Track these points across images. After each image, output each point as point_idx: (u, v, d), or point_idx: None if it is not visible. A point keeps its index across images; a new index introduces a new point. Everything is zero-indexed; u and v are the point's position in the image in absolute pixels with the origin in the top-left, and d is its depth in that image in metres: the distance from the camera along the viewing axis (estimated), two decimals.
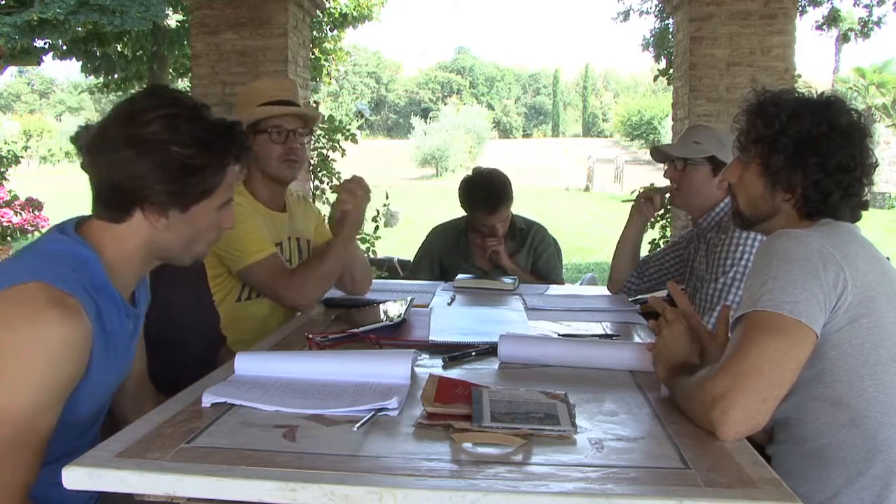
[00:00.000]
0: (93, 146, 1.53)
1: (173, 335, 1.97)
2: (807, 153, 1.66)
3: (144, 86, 13.31)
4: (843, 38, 17.00)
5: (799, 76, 6.59)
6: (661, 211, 6.43)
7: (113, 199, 1.54)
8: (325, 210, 3.81)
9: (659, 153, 2.85)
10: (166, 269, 1.71)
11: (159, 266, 1.69)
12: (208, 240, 1.66)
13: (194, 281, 2.32)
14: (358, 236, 3.08)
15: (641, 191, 3.03)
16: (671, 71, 8.68)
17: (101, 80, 13.25)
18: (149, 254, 1.60)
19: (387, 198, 7.03)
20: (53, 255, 1.49)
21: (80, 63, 12.33)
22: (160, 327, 1.91)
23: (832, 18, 13.40)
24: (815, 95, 1.74)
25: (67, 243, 1.52)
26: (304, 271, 2.55)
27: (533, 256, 3.72)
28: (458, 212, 3.81)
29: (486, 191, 3.61)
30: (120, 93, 13.89)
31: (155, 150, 1.49)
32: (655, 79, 11.28)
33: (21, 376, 1.36)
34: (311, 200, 3.90)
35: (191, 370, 1.77)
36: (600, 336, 2.28)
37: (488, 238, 3.60)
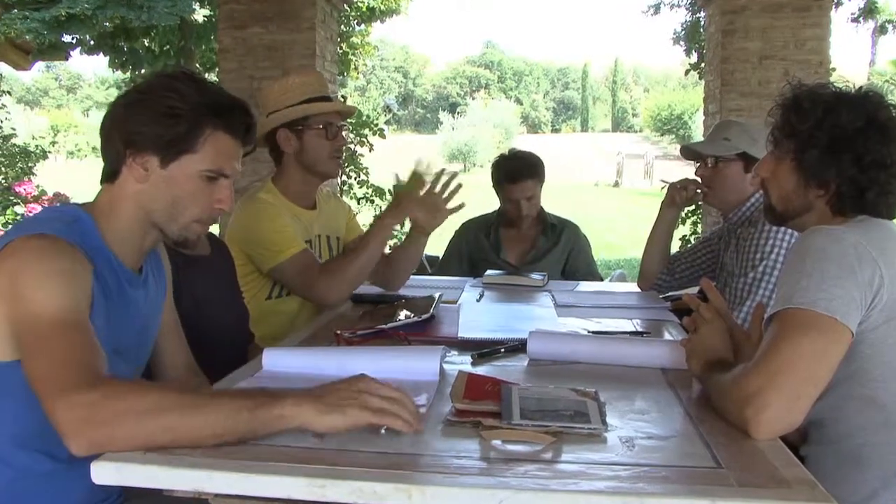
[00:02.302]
0: None
1: (203, 331, 1.99)
2: (842, 148, 1.64)
3: None
4: (880, 30, 16.77)
5: (833, 69, 6.49)
6: (693, 206, 6.38)
7: (104, 150, 1.62)
8: (354, 206, 3.82)
9: (689, 151, 2.83)
10: (197, 266, 1.73)
11: (190, 263, 1.71)
12: (197, 212, 1.64)
13: (225, 278, 2.34)
14: None
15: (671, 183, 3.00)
16: (702, 65, 8.61)
17: (129, 74, 13.33)
18: (138, 215, 1.62)
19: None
20: (46, 218, 1.58)
21: (108, 58, 12.41)
22: (190, 323, 1.93)
23: (868, 10, 13.21)
24: (851, 90, 1.71)
25: (60, 209, 1.64)
26: (335, 267, 2.56)
27: (567, 256, 3.71)
28: (487, 207, 3.82)
29: (514, 160, 3.66)
30: None
31: (145, 96, 1.59)
32: (686, 73, 11.21)
33: (39, 285, 1.39)
34: (339, 195, 3.92)
35: (219, 366, 1.79)
36: (631, 333, 2.27)
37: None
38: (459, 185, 2.61)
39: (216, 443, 1.24)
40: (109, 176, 1.63)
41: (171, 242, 1.73)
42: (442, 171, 2.61)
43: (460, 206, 2.62)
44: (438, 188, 2.58)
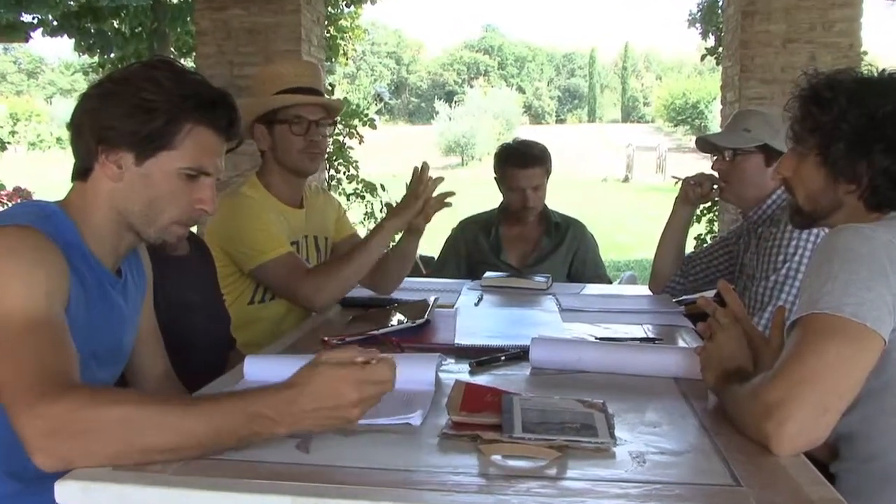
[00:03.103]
0: None
1: (180, 337, 1.99)
2: (871, 138, 1.62)
3: None
4: None
5: (865, 53, 6.42)
6: (709, 203, 6.38)
7: (75, 145, 1.62)
8: (343, 202, 3.81)
9: (705, 143, 2.83)
10: (174, 266, 1.73)
11: (167, 263, 1.71)
12: (176, 213, 1.63)
13: (204, 280, 2.34)
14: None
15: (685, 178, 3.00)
16: (720, 49, 8.60)
17: (96, 59, 13.23)
18: (112, 216, 1.62)
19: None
20: (21, 212, 1.58)
21: (73, 40, 12.35)
22: (166, 328, 1.93)
23: None
24: (874, 73, 1.71)
25: (35, 203, 1.63)
26: (326, 269, 2.58)
27: (573, 257, 3.71)
28: (487, 203, 3.82)
29: (520, 145, 3.69)
30: None
31: (119, 87, 1.58)
32: (703, 58, 11.21)
33: (7, 282, 1.39)
34: (329, 192, 3.92)
35: (198, 374, 1.79)
36: (641, 340, 2.27)
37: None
38: (450, 193, 2.63)
39: (197, 455, 1.24)
40: (81, 173, 1.63)
41: (149, 245, 1.73)
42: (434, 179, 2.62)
43: (446, 197, 2.62)
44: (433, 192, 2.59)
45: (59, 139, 28.24)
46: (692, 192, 2.93)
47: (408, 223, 2.62)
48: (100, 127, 1.57)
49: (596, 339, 2.24)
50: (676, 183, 3.02)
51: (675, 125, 47.39)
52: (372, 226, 6.72)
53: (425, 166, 2.60)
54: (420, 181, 2.56)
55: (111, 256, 1.66)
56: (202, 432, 1.25)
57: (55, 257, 1.47)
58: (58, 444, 1.22)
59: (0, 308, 1.37)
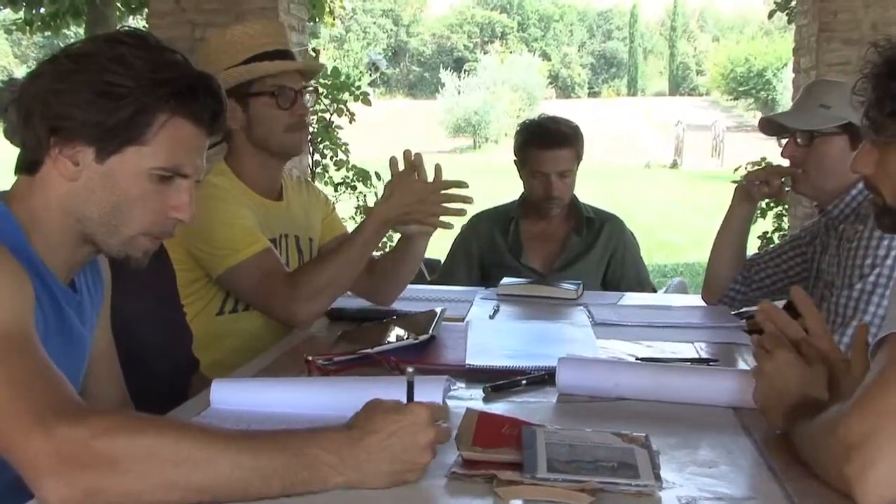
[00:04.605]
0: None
1: (132, 356, 2.00)
2: None
3: (82, 24, 13.31)
4: None
5: None
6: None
7: (22, 132, 1.59)
8: (330, 193, 3.80)
9: (772, 125, 2.82)
10: (123, 273, 1.73)
11: (115, 274, 1.71)
12: (146, 222, 1.63)
13: (160, 288, 2.34)
14: None
15: (751, 169, 3.00)
16: (793, 4, 8.55)
17: (22, 14, 13.25)
18: (66, 223, 1.60)
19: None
20: None
21: None
22: (118, 347, 1.94)
23: None
24: None
25: None
26: (307, 274, 2.56)
27: (609, 260, 3.72)
28: (504, 194, 3.82)
29: (548, 122, 3.69)
30: (48, 33, 13.84)
31: (78, 66, 1.56)
32: (771, 15, 11.14)
33: None
34: (312, 182, 3.92)
35: (155, 401, 1.79)
36: (692, 361, 2.28)
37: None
38: (468, 199, 2.57)
39: (235, 499, 1.27)
40: (28, 166, 1.61)
41: (109, 258, 1.72)
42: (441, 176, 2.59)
43: (462, 209, 2.59)
44: (435, 183, 2.57)
45: None
46: (756, 192, 2.92)
47: (399, 210, 2.55)
48: (53, 115, 1.55)
49: (637, 359, 2.24)
50: (737, 169, 3.01)
51: (736, 98, 47.28)
52: None
53: (418, 158, 2.56)
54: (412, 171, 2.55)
55: (64, 268, 1.66)
56: (243, 474, 1.27)
57: (17, 266, 1.47)
58: (77, 474, 1.24)
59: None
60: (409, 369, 1.47)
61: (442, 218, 2.58)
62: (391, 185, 2.57)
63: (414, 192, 2.54)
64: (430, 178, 2.58)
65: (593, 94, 69.32)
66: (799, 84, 6.39)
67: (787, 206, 6.76)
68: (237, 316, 2.70)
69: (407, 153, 2.56)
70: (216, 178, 2.67)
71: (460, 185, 2.59)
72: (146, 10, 7.06)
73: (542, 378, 1.98)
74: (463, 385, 1.95)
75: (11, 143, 1.62)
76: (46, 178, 1.59)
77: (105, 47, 1.57)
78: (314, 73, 2.89)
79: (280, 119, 2.68)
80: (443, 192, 2.57)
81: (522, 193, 3.76)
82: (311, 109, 2.91)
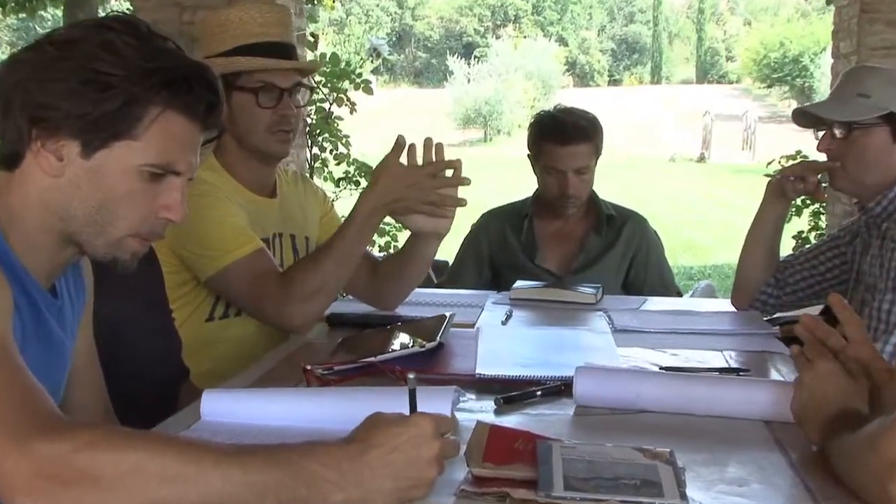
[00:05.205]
0: None
1: (117, 365, 2.01)
2: None
3: (60, 6, 13.30)
4: None
5: None
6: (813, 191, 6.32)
7: (1, 124, 1.59)
8: (330, 189, 3.79)
9: (807, 117, 2.81)
10: (107, 277, 1.73)
11: (98, 277, 1.71)
12: (135, 222, 1.63)
13: (147, 292, 2.35)
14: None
15: (784, 164, 2.99)
16: None
17: None
18: (48, 222, 1.60)
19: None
20: None
21: None
22: (101, 355, 1.94)
23: None
24: None
25: None
26: (299, 273, 2.55)
27: (631, 262, 3.72)
28: (517, 191, 3.82)
29: (562, 114, 3.68)
30: (23, 15, 13.82)
31: (63, 53, 1.55)
32: None
33: None
34: (309, 177, 3.92)
35: (141, 413, 1.80)
36: (721, 370, 2.28)
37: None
38: (464, 180, 2.52)
39: None
40: (7, 159, 1.61)
41: (94, 261, 1.72)
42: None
43: (461, 199, 2.54)
44: (426, 166, 2.50)
45: None
46: (790, 189, 2.91)
47: (387, 198, 2.48)
48: (35, 104, 1.55)
49: (661, 368, 2.24)
50: (770, 163, 3.01)
51: (769, 86, 47.13)
52: None
53: (439, 146, 2.51)
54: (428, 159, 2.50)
55: (44, 271, 1.66)
56: (235, 490, 1.27)
57: None
58: (58, 491, 1.24)
59: None
60: (411, 376, 1.46)
61: (446, 207, 2.53)
62: (377, 170, 2.53)
63: (401, 175, 2.48)
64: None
65: (614, 81, 69.21)
66: (838, 70, 6.35)
67: (824, 204, 6.76)
68: (228, 322, 2.70)
69: (399, 137, 2.50)
70: (205, 174, 2.66)
71: (454, 165, 2.52)
72: None
73: (559, 389, 1.98)
74: (473, 396, 1.96)
75: None
76: (27, 173, 1.59)
77: (92, 33, 1.57)
78: (311, 72, 2.87)
79: (261, 118, 2.66)
80: (437, 174, 2.50)
81: (536, 190, 3.76)
82: (308, 101, 2.90)
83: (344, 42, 47.78)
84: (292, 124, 2.73)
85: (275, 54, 2.68)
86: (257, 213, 2.73)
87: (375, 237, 6.40)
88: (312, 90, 2.91)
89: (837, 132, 2.70)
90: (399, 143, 2.49)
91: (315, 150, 7.53)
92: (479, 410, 1.87)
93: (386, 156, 2.50)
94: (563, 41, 70.51)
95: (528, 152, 3.73)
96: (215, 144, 2.75)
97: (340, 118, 7.69)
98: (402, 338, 2.34)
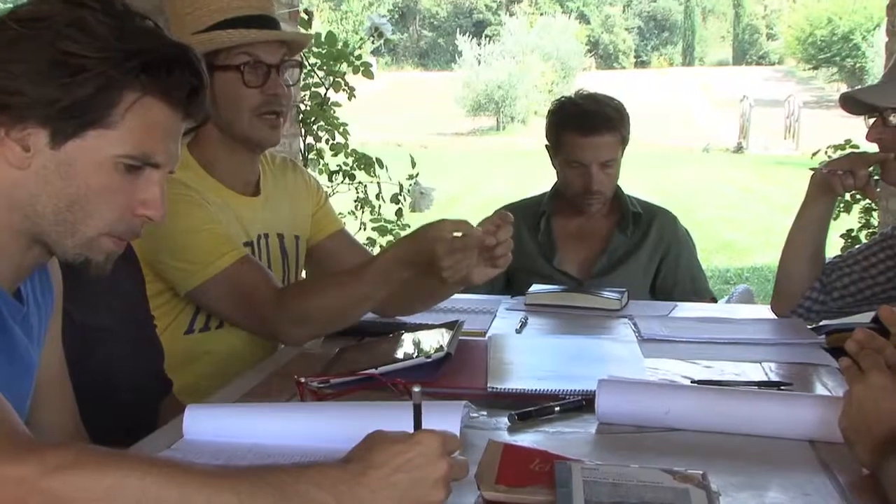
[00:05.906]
0: None
1: (90, 377, 2.02)
2: None
3: None
4: None
5: None
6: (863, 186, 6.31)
7: None
8: (325, 183, 3.78)
9: (856, 103, 2.81)
10: (84, 284, 1.74)
11: (74, 282, 1.72)
12: (110, 221, 1.63)
13: (128, 300, 2.34)
14: (377, 224, 2.98)
15: (832, 156, 2.99)
16: None
17: None
18: (12, 219, 1.60)
19: (413, 165, 7.02)
20: None
21: None
22: (75, 366, 1.95)
23: None
24: None
25: None
26: (298, 295, 2.54)
27: (659, 264, 3.73)
28: (534, 185, 3.82)
29: (586, 102, 3.67)
30: None
31: (28, 31, 1.54)
32: None
33: None
34: (302, 166, 3.89)
35: (117, 431, 1.81)
36: (760, 384, 2.28)
37: None
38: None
39: None
40: None
41: (65, 263, 1.72)
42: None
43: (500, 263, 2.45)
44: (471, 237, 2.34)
45: None
46: (838, 184, 2.89)
47: (422, 258, 2.34)
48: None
49: (692, 382, 2.25)
50: (815, 154, 3.00)
51: (815, 68, 47.09)
52: (368, 219, 6.69)
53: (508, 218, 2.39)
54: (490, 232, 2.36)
55: (9, 275, 1.66)
56: None
57: None
58: None
59: None
60: (416, 389, 1.47)
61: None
62: (424, 227, 2.37)
63: (440, 241, 2.30)
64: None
65: (641, 63, 69.21)
66: (893, 49, 6.33)
67: (875, 202, 6.74)
68: (209, 335, 2.69)
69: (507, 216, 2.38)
70: (180, 173, 2.61)
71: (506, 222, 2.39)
72: None
73: (579, 404, 1.99)
74: (484, 412, 1.95)
75: None
76: None
77: (62, 10, 1.55)
78: (303, 46, 2.85)
79: (247, 99, 2.62)
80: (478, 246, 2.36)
81: (555, 184, 3.76)
82: (300, 84, 2.88)
83: (341, 20, 47.86)
84: (283, 105, 2.68)
85: (258, 27, 2.63)
86: (239, 214, 2.72)
87: (376, 237, 6.42)
88: (303, 68, 2.85)
89: (889, 119, 2.70)
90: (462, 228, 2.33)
91: (309, 139, 7.52)
92: (491, 428, 1.87)
93: (445, 222, 2.33)
94: (584, 18, 70.51)
95: (546, 143, 3.73)
96: (190, 137, 2.73)
97: (338, 104, 7.68)
98: (406, 347, 2.34)
